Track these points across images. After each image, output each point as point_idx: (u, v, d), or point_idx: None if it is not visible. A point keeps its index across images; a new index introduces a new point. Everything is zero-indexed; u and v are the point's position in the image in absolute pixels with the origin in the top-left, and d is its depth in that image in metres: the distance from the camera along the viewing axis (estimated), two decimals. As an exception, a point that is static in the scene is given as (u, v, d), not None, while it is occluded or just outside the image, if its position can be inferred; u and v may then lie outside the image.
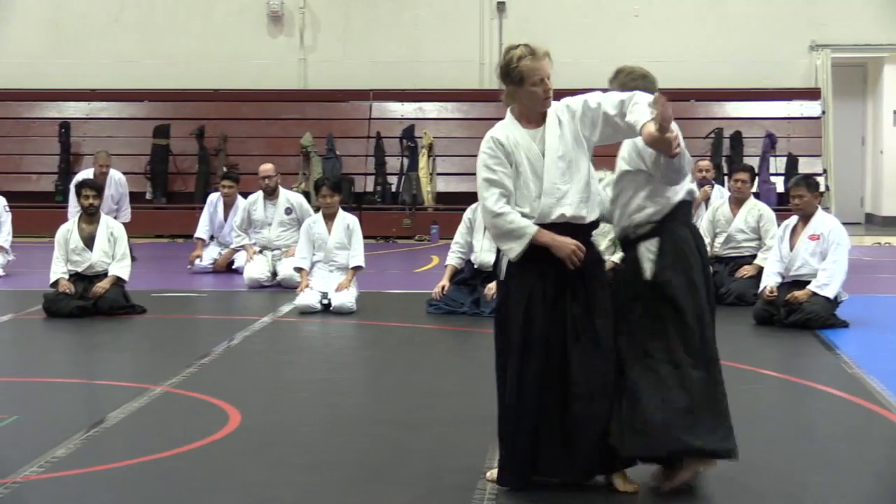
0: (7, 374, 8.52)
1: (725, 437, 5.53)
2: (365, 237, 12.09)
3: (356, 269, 11.64)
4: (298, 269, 11.82)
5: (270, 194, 13.88)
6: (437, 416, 7.13)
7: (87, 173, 15.06)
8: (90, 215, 11.42)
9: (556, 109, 5.63)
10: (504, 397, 5.62)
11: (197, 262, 14.77)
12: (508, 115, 5.69)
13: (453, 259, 11.38)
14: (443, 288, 11.19)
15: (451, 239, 11.56)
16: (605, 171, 6.28)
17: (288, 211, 13.78)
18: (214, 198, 15.15)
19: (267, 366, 9.04)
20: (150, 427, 6.98)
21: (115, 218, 12.85)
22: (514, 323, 5.56)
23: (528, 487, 5.55)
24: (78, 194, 11.63)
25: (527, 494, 5.51)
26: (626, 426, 5.48)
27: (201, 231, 14.94)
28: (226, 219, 14.72)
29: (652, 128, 5.31)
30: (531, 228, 5.50)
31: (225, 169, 18.91)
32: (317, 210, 12.36)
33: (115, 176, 15.55)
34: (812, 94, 21.06)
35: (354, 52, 21.69)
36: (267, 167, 13.97)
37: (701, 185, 14.16)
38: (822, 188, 11.24)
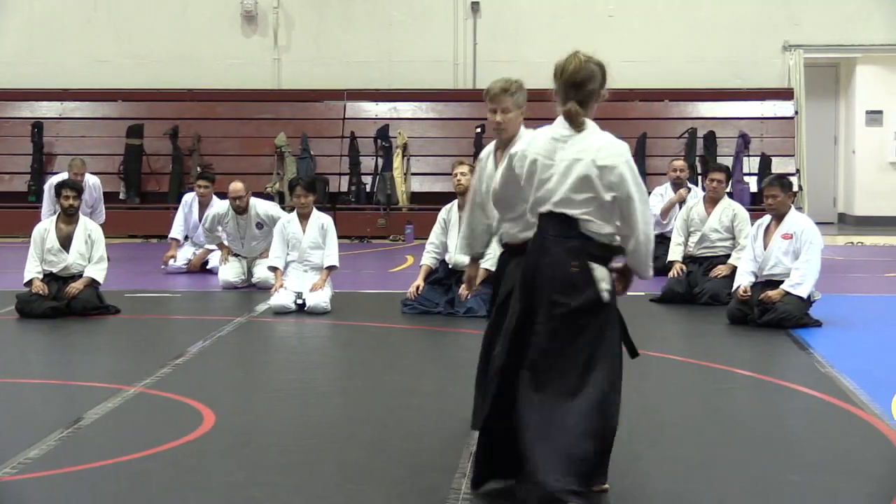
0: (-21, 376, 8.47)
1: None
2: (339, 237, 12.08)
3: (330, 268, 11.63)
4: (273, 269, 11.80)
5: (241, 213, 13.47)
6: (413, 416, 7.13)
7: (61, 177, 14.94)
8: (69, 216, 11.35)
9: None
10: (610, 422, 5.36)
11: (171, 262, 14.72)
12: (593, 124, 5.50)
13: (428, 259, 11.38)
14: (417, 288, 11.19)
15: (426, 239, 11.56)
16: None
17: (259, 226, 13.42)
18: (189, 198, 15.09)
19: (241, 366, 9.03)
20: (125, 428, 6.95)
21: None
22: (617, 347, 5.42)
23: None
24: (58, 194, 11.53)
25: (500, 496, 5.52)
26: None
27: (176, 231, 14.88)
28: (200, 219, 14.62)
29: None
30: None
31: (199, 169, 18.87)
32: (291, 210, 12.31)
33: (90, 180, 15.46)
34: (785, 94, 21.16)
35: (328, 51, 21.66)
36: (237, 187, 13.39)
37: (676, 184, 14.24)
38: (795, 188, 11.28)
